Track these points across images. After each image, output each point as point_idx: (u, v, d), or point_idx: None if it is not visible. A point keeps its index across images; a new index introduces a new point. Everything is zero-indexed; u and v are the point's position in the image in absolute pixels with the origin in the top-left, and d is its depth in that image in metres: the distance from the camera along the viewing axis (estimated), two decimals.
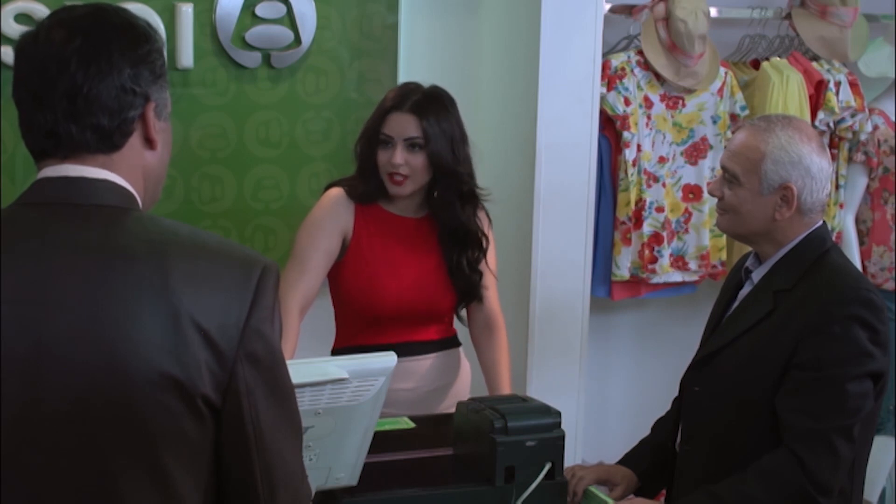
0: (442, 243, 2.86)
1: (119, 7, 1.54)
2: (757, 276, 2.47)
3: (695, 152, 3.83)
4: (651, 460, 2.63)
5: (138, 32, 1.51)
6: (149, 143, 1.52)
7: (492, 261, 2.93)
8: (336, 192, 2.84)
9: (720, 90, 3.81)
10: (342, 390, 1.91)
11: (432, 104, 2.77)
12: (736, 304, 2.51)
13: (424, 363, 2.87)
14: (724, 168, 2.45)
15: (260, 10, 3.34)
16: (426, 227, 2.87)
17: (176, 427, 1.40)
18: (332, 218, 2.80)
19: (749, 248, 2.56)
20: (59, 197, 1.46)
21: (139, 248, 1.43)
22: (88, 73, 1.45)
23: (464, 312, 2.97)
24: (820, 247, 2.41)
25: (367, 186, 2.81)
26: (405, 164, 2.74)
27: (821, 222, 2.44)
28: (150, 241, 1.44)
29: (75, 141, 1.47)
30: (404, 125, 2.75)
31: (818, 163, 2.38)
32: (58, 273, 1.41)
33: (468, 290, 2.89)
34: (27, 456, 1.39)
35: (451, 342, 2.95)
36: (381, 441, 2.22)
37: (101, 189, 1.47)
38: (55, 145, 1.47)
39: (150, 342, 1.38)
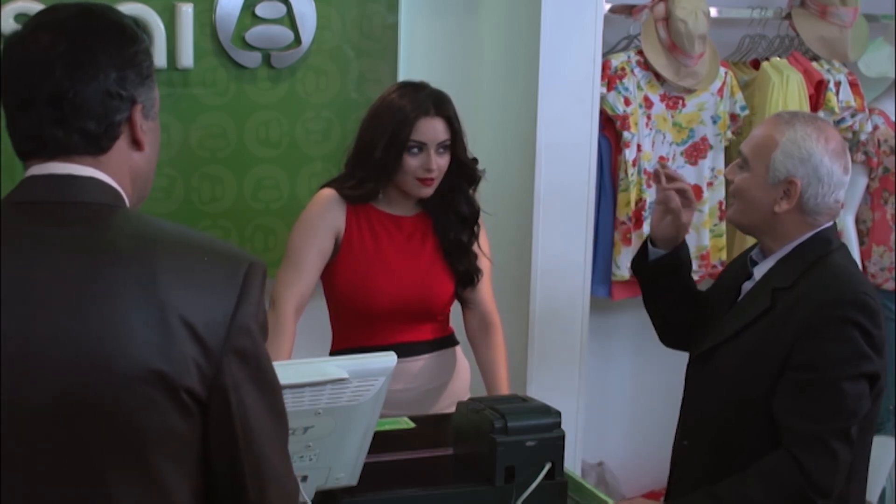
0: (445, 230, 2.86)
1: (106, 7, 1.53)
2: (759, 272, 2.47)
3: (695, 152, 3.82)
4: (685, 263, 2.66)
5: (125, 34, 1.50)
6: (136, 144, 1.52)
7: (484, 244, 2.94)
8: (327, 192, 2.83)
9: (720, 90, 3.81)
10: (342, 390, 1.92)
11: (449, 103, 2.80)
12: (740, 297, 2.51)
13: (417, 364, 2.86)
14: (739, 153, 2.48)
15: (260, 10, 3.34)
16: (419, 225, 2.87)
17: (163, 423, 1.40)
18: (324, 218, 2.80)
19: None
20: (46, 195, 1.46)
21: (126, 245, 1.43)
22: (74, 79, 1.45)
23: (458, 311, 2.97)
24: (824, 247, 2.41)
25: (366, 189, 2.80)
26: (437, 167, 2.76)
27: (830, 223, 2.44)
28: (137, 238, 1.44)
29: (61, 144, 1.47)
30: (436, 130, 2.76)
31: (828, 166, 2.37)
32: (45, 271, 1.41)
33: (469, 270, 2.89)
34: (15, 454, 1.39)
35: (447, 342, 2.95)
36: (381, 441, 2.22)
37: (88, 187, 1.47)
38: (41, 147, 1.47)
39: (137, 338, 1.38)
